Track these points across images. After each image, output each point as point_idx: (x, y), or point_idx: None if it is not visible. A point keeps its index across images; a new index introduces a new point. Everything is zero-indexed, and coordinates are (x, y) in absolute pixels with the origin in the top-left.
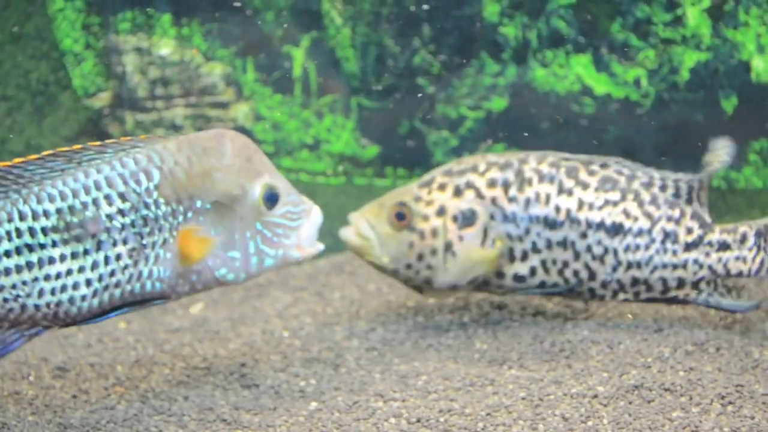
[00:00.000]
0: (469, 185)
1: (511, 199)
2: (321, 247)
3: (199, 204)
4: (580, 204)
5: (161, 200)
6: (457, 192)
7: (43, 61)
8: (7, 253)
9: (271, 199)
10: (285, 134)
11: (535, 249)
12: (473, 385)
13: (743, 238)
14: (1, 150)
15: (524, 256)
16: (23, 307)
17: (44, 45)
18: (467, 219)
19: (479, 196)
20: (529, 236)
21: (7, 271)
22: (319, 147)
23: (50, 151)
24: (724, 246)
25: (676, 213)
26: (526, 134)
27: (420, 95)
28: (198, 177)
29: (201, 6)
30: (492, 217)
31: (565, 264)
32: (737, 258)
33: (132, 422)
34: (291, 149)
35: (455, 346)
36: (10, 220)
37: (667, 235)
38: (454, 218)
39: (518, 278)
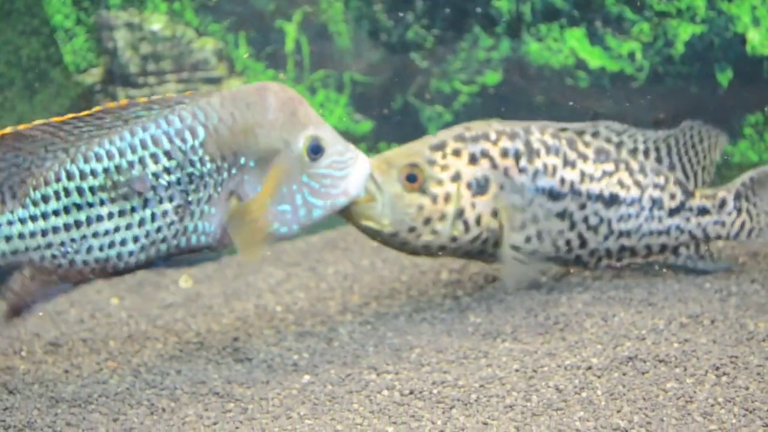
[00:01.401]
0: (484, 154)
1: (522, 170)
2: (360, 191)
3: (243, 161)
4: (582, 176)
5: (206, 157)
6: (473, 159)
7: (33, 37)
8: (56, 212)
9: (316, 150)
10: None
11: (534, 219)
12: (467, 357)
13: (722, 203)
14: None
15: (522, 226)
16: (71, 262)
17: (35, 21)
18: (481, 187)
19: (494, 165)
20: (532, 207)
21: (55, 230)
22: None
23: (99, 107)
24: (703, 211)
25: (661, 180)
26: (520, 108)
27: (413, 70)
28: (242, 133)
29: None
30: (501, 187)
31: (560, 233)
32: (716, 222)
33: (124, 396)
34: None
35: (449, 319)
36: (57, 180)
37: (654, 202)
38: (469, 185)
39: (513, 247)
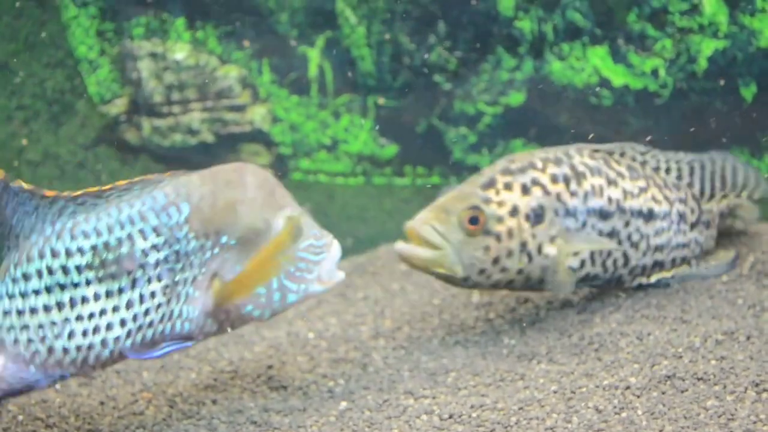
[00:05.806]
0: (535, 182)
1: (573, 194)
2: (342, 275)
3: (224, 239)
4: (625, 194)
5: (191, 234)
6: (525, 190)
7: (58, 69)
8: (36, 292)
9: (296, 232)
10: (302, 135)
11: (588, 241)
12: (503, 380)
13: (715, 219)
14: (19, 159)
15: (578, 249)
16: (50, 349)
17: (59, 53)
18: (538, 216)
19: (546, 192)
20: (585, 229)
21: (33, 311)
22: (337, 147)
23: (80, 192)
24: (707, 225)
25: (683, 194)
26: (544, 128)
27: (437, 92)
28: (223, 210)
29: (215, 9)
30: (555, 213)
31: (609, 253)
32: (711, 236)
33: (161, 426)
34: (309, 150)
35: (483, 342)
36: (41, 257)
37: (681, 216)
38: (527, 217)
39: (570, 270)
